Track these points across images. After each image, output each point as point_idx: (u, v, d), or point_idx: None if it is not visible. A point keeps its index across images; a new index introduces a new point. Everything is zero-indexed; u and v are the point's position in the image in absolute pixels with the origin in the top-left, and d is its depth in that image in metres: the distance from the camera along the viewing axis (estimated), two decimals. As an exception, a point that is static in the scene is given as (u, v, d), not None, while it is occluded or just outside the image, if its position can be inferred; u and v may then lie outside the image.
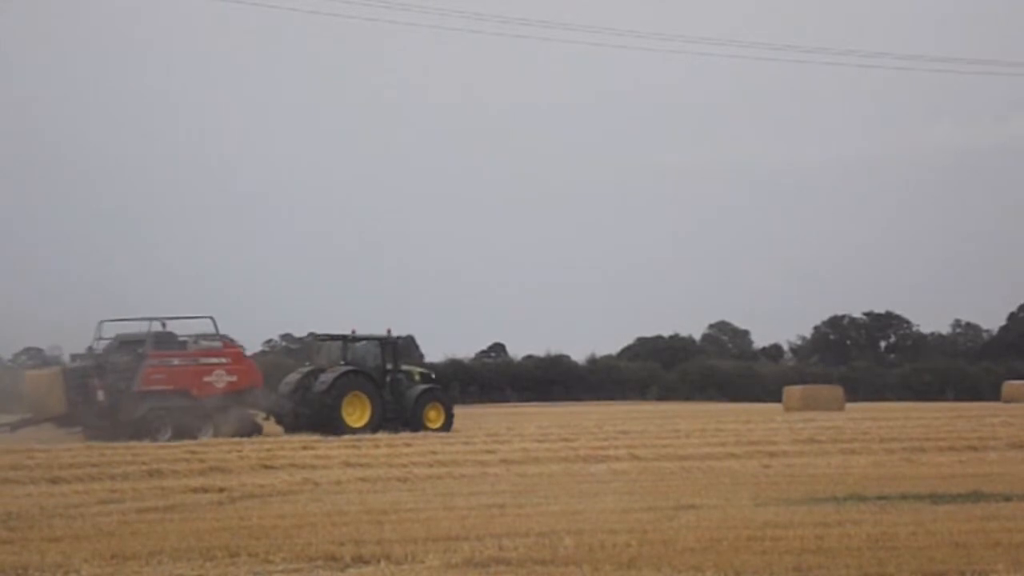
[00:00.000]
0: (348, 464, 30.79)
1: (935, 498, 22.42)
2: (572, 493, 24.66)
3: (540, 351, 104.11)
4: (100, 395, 41.42)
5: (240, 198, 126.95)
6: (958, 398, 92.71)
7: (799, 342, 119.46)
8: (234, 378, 42.81)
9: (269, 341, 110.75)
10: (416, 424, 43.63)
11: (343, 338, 45.31)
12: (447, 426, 44.19)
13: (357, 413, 43.36)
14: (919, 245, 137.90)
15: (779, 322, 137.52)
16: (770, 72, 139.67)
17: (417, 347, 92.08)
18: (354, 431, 41.65)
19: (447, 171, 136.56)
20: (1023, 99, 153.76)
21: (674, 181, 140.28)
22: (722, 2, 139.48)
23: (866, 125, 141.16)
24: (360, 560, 16.15)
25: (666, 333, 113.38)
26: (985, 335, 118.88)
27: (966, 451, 35.36)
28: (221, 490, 26.20)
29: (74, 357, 43.63)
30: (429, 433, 41.82)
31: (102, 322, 43.18)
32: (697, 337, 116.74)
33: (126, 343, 43.09)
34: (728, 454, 33.82)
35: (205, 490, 26.28)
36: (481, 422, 46.90)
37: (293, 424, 43.02)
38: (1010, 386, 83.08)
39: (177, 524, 20.25)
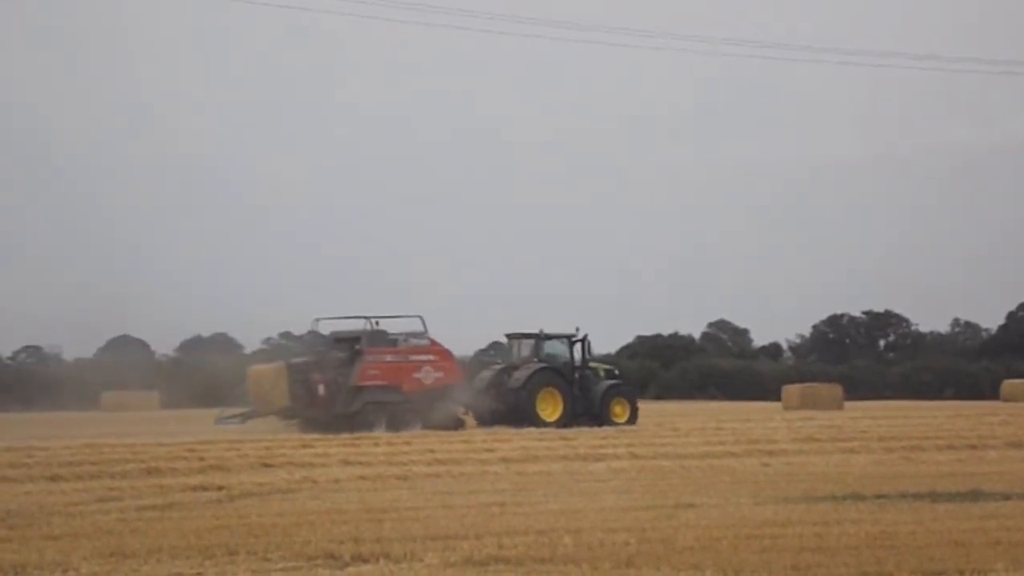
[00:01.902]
0: (347, 462, 30.75)
1: (934, 497, 22.41)
2: (571, 492, 24.65)
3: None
4: (320, 389, 43.81)
5: (238, 197, 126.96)
6: (957, 397, 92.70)
7: (798, 341, 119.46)
8: (440, 374, 45.22)
9: (268, 339, 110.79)
10: (603, 418, 45.72)
11: (535, 336, 47.58)
12: (632, 420, 46.28)
13: (550, 408, 45.72)
14: (918, 244, 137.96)
15: (778, 321, 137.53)
16: (772, 72, 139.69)
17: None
18: (547, 425, 44.01)
19: (443, 170, 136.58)
20: (1022, 99, 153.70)
21: (674, 181, 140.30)
22: (720, 2, 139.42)
23: (866, 126, 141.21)
24: (359, 558, 16.14)
25: (665, 332, 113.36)
26: (984, 334, 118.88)
27: (965, 450, 35.35)
28: (220, 488, 26.17)
29: (295, 354, 46.17)
30: (617, 427, 43.96)
31: (317, 320, 46.08)
32: (696, 336, 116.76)
33: (341, 340, 45.43)
34: (727, 453, 33.80)
35: (204, 488, 26.24)
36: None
37: (489, 418, 45.16)
38: (1009, 385, 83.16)
39: (176, 522, 20.24)
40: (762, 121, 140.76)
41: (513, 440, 36.26)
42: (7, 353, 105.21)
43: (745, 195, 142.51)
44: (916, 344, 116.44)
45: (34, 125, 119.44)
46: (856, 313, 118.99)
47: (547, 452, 33.36)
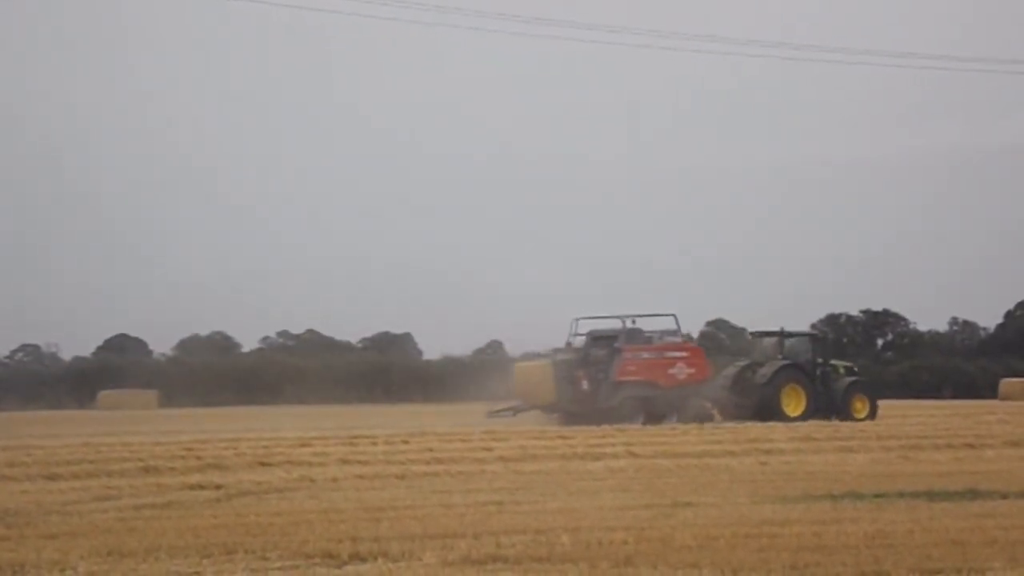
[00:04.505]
0: (345, 461, 30.73)
1: (932, 495, 22.42)
2: (569, 490, 24.65)
3: (538, 348, 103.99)
4: (584, 385, 46.68)
5: (237, 197, 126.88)
6: (955, 396, 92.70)
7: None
8: (692, 370, 48.01)
9: (266, 338, 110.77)
10: (844, 414, 47.64)
11: (779, 334, 50.13)
12: (872, 416, 48.04)
13: (793, 403, 47.88)
14: (916, 243, 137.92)
15: (776, 319, 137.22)
16: (771, 72, 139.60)
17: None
18: (791, 420, 45.57)
19: (444, 169, 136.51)
20: (1023, 98, 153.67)
21: (671, 181, 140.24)
22: (721, 1, 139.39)
23: (864, 125, 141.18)
24: (357, 557, 16.14)
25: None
26: (982, 333, 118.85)
27: (963, 449, 35.36)
28: (218, 487, 26.16)
29: (557, 351, 48.60)
30: (857, 423, 45.31)
31: (577, 319, 48.84)
32: (695, 334, 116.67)
33: (598, 338, 48.16)
34: (725, 451, 33.80)
35: (202, 487, 26.23)
36: (478, 419, 47.07)
37: (733, 413, 47.22)
38: (1007, 384, 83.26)
39: (174, 521, 20.24)
40: (760, 121, 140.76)
41: (511, 439, 36.22)
42: (5, 352, 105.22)
43: (743, 194, 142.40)
44: (914, 343, 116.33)
45: (32, 124, 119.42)
46: (854, 312, 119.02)
47: (545, 451, 33.35)
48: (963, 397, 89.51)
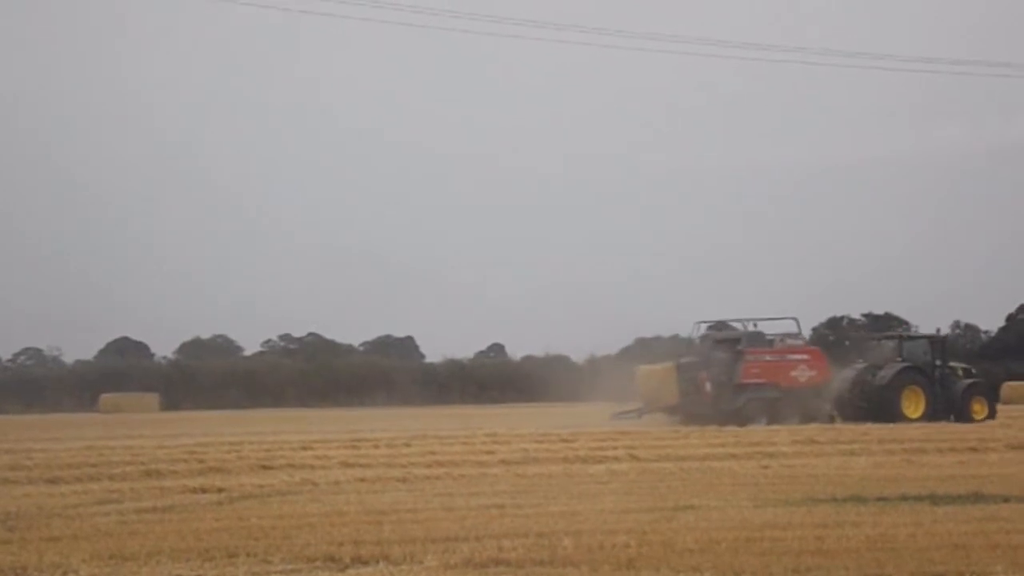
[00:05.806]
0: (347, 464, 30.71)
1: (934, 499, 22.40)
2: (571, 494, 24.62)
3: (539, 351, 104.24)
4: (707, 387, 48.08)
5: (239, 199, 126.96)
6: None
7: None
8: (813, 373, 48.64)
9: (268, 341, 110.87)
10: (963, 416, 48.33)
11: (898, 337, 51.59)
12: (991, 417, 48.82)
13: (913, 405, 48.58)
14: (918, 246, 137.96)
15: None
16: (770, 74, 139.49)
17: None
18: (910, 421, 46.42)
19: (447, 168, 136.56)
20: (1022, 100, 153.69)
21: (672, 183, 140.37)
22: (723, 3, 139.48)
23: (866, 127, 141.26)
24: (359, 561, 16.13)
25: (665, 333, 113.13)
26: (984, 336, 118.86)
27: (966, 452, 35.33)
28: (220, 490, 26.15)
29: (680, 354, 50.49)
30: (977, 424, 45.94)
31: (698, 323, 51.47)
32: (696, 338, 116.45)
33: (722, 342, 49.62)
34: (727, 455, 33.77)
35: (204, 490, 26.22)
36: (480, 422, 47.11)
37: (852, 415, 47.70)
38: (1009, 387, 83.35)
39: (175, 524, 20.23)
40: (760, 123, 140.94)
41: (513, 442, 36.21)
42: (7, 355, 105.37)
43: (744, 197, 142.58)
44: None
45: (36, 127, 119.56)
46: (856, 315, 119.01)
47: (547, 454, 33.32)
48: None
